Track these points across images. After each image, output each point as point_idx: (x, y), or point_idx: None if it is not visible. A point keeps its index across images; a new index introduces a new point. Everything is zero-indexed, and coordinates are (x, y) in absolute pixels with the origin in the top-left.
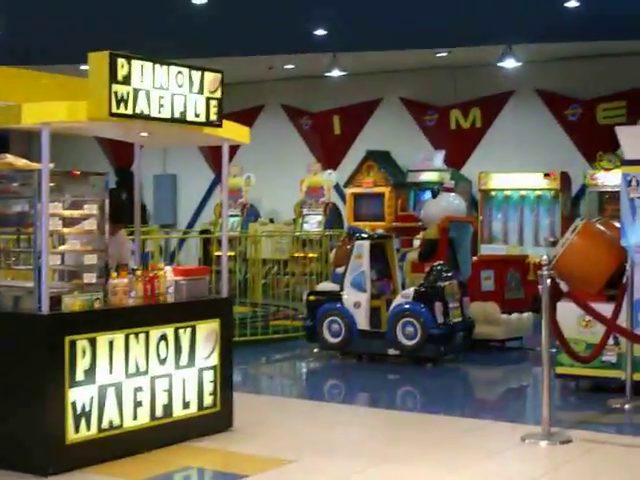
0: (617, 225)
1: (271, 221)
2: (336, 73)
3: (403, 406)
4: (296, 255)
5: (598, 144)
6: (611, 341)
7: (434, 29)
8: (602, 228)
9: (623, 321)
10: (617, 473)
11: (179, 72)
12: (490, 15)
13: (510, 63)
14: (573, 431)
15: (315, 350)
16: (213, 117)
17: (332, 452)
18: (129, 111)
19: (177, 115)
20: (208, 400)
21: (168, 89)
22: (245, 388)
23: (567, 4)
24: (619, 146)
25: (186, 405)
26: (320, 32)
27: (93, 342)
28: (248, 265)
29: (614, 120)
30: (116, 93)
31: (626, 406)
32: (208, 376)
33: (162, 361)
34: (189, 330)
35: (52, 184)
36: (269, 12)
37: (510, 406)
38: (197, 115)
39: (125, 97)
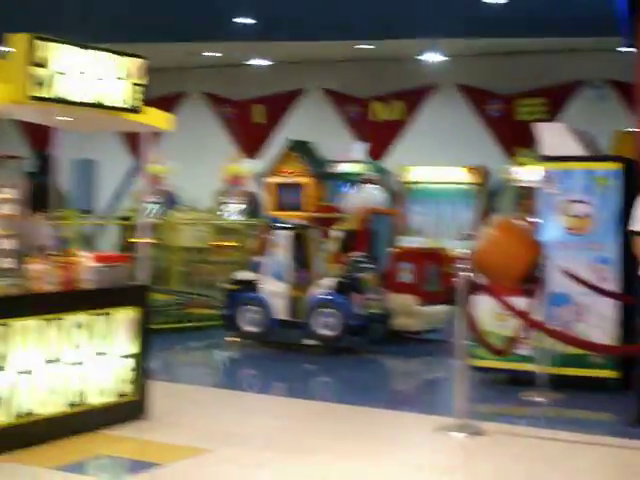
0: (534, 220)
1: (191, 209)
2: (259, 62)
3: (320, 396)
4: (216, 244)
5: (517, 139)
6: (526, 334)
7: (357, 21)
8: (519, 223)
9: (538, 315)
10: (529, 465)
11: (102, 57)
12: (413, 9)
13: (433, 57)
14: (487, 423)
15: (233, 339)
16: (135, 103)
17: (247, 442)
18: (48, 94)
19: (98, 100)
20: (124, 388)
21: (90, 73)
22: (162, 376)
23: (488, 0)
24: (538, 142)
25: (102, 393)
26: (244, 21)
27: (7, 328)
28: (167, 253)
29: (534, 116)
30: (35, 76)
31: (540, 399)
32: (125, 364)
33: (78, 348)
34: (106, 317)
35: None
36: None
37: (426, 398)
38: (119, 101)
39: (44, 80)
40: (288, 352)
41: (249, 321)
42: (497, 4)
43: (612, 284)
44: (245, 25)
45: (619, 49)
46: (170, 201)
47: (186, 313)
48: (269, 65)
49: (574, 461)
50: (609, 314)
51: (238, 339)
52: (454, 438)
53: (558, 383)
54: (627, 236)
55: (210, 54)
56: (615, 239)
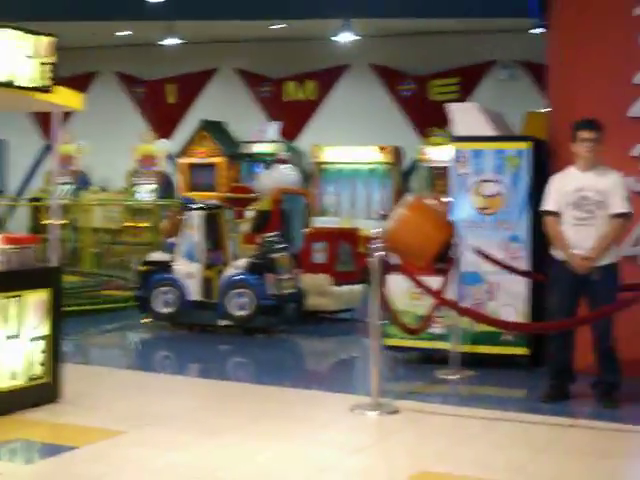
0: (446, 200)
1: (103, 189)
2: (171, 41)
3: (234, 377)
4: (128, 224)
5: (430, 120)
6: (439, 313)
7: (270, 1)
8: (432, 203)
9: (451, 294)
10: (442, 441)
11: (10, 35)
12: None
13: (346, 37)
14: (401, 401)
15: (146, 320)
16: (45, 82)
17: (162, 423)
18: None
19: (7, 80)
20: (37, 371)
21: None
22: (75, 359)
23: None
24: (450, 122)
25: (13, 376)
26: None
27: None
28: (79, 234)
29: (446, 96)
30: None
31: (452, 377)
32: (37, 347)
33: None
34: (17, 300)
35: None
36: None
37: (340, 377)
38: (28, 80)
39: None
40: (202, 333)
41: (163, 302)
42: None
43: (523, 263)
44: (157, 4)
45: (532, 31)
46: (82, 182)
47: (99, 295)
48: (181, 44)
49: (487, 437)
50: (520, 292)
51: (152, 320)
52: (369, 417)
53: (471, 361)
54: (537, 215)
55: (122, 33)
56: (525, 218)
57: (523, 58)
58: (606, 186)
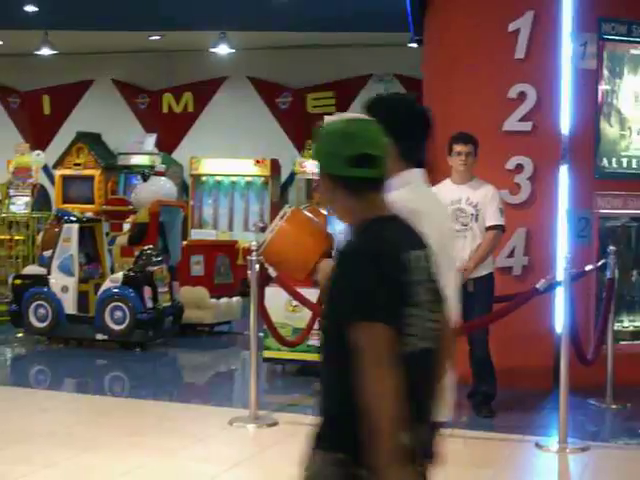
0: (324, 212)
1: None
2: (47, 52)
3: (111, 391)
4: (2, 237)
5: (308, 132)
6: (317, 326)
7: (146, 12)
8: (309, 215)
9: None
10: None
11: None
12: (203, 1)
13: (223, 49)
14: (279, 414)
15: (20, 335)
16: None
17: (38, 440)
18: None
19: None
20: None
21: None
22: None
23: None
24: None
25: None
26: (30, 8)
27: None
28: None
29: (324, 109)
30: None
31: None
32: None
33: None
34: None
35: None
36: None
37: (219, 390)
38: None
39: None
40: (79, 347)
41: (38, 317)
42: None
43: None
44: (31, 13)
45: (409, 45)
46: None
47: None
48: (57, 55)
49: None
50: None
51: (27, 335)
52: (247, 430)
53: None
54: None
55: None
56: None
57: (399, 71)
58: (481, 199)
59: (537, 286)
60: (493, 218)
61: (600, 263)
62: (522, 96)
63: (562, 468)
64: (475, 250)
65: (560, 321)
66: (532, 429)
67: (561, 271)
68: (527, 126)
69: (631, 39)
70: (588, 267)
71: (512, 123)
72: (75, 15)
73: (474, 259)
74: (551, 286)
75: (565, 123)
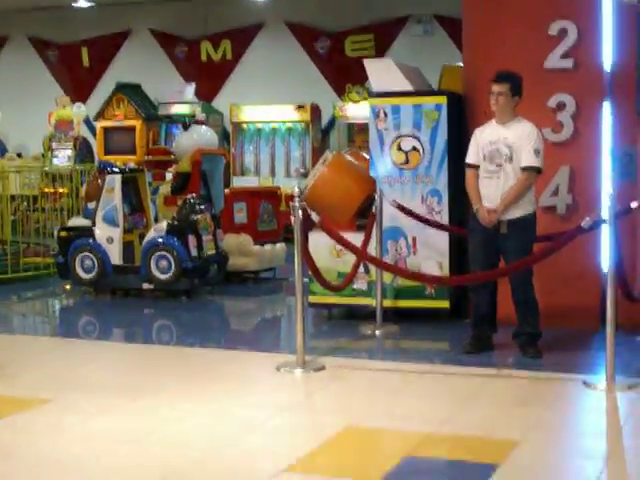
0: (366, 156)
1: (19, 156)
2: (83, 4)
3: (159, 340)
4: (46, 190)
5: (347, 77)
6: (362, 269)
7: None
8: (351, 159)
9: (373, 249)
10: (369, 396)
11: None
12: None
13: None
14: (327, 358)
15: (68, 287)
16: None
17: (88, 389)
18: None
19: None
20: None
21: None
22: None
23: None
24: (367, 78)
25: None
26: None
27: None
28: None
29: (362, 53)
30: None
31: (377, 332)
32: None
33: None
34: None
35: None
36: None
37: (265, 336)
38: None
39: None
40: (125, 297)
41: (84, 268)
42: None
43: (443, 216)
44: None
45: None
46: None
47: (20, 262)
48: (94, 6)
49: (412, 390)
50: (441, 246)
51: (74, 287)
52: (295, 375)
53: (395, 315)
54: (456, 169)
55: None
56: (445, 172)
57: (437, 12)
58: (516, 139)
59: (582, 224)
60: (526, 159)
61: None
62: (563, 33)
63: (610, 406)
64: (505, 192)
65: (606, 259)
66: (579, 368)
67: (606, 208)
68: (569, 63)
69: None
70: (633, 204)
71: (554, 60)
72: None
73: (504, 201)
74: (596, 224)
75: (607, 59)
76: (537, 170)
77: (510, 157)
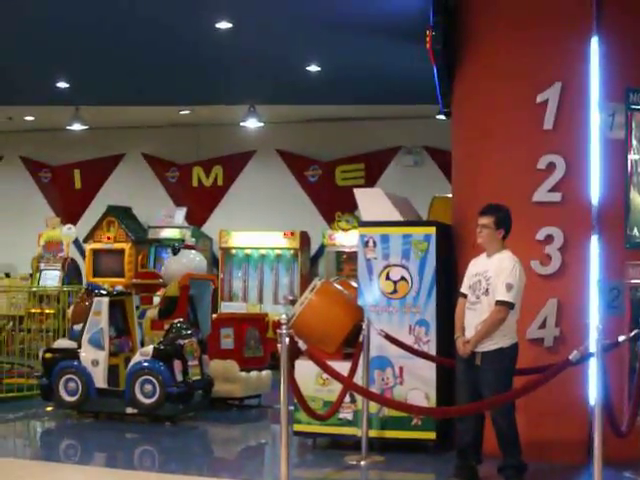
0: (354, 284)
1: (7, 275)
2: (78, 127)
3: (141, 466)
4: (33, 311)
5: (337, 205)
6: (347, 399)
7: (177, 87)
8: (339, 287)
9: (360, 379)
10: None
11: None
12: (234, 76)
13: (252, 123)
14: None
15: (50, 409)
16: None
17: None
18: None
19: None
20: None
21: None
22: None
23: (309, 68)
24: (357, 207)
25: None
26: (62, 85)
27: None
28: None
29: (352, 182)
30: None
31: (362, 462)
32: None
33: None
34: None
35: None
36: (10, 62)
37: (249, 464)
38: None
39: None
40: (109, 421)
41: (68, 390)
42: (314, 72)
43: (431, 346)
44: (62, 89)
45: (437, 117)
46: None
47: (1, 383)
48: (88, 130)
49: None
50: (428, 376)
51: (57, 409)
52: None
53: (381, 446)
54: (444, 298)
55: (29, 118)
56: (433, 302)
57: (428, 144)
58: (493, 273)
59: (570, 357)
60: (499, 293)
61: (633, 334)
62: (551, 167)
63: None
64: (479, 324)
65: (593, 393)
66: None
67: (593, 342)
68: (557, 197)
69: None
70: (621, 338)
71: (542, 194)
72: (105, 91)
73: (476, 334)
74: (583, 357)
75: (595, 193)
76: (509, 305)
77: (486, 290)
